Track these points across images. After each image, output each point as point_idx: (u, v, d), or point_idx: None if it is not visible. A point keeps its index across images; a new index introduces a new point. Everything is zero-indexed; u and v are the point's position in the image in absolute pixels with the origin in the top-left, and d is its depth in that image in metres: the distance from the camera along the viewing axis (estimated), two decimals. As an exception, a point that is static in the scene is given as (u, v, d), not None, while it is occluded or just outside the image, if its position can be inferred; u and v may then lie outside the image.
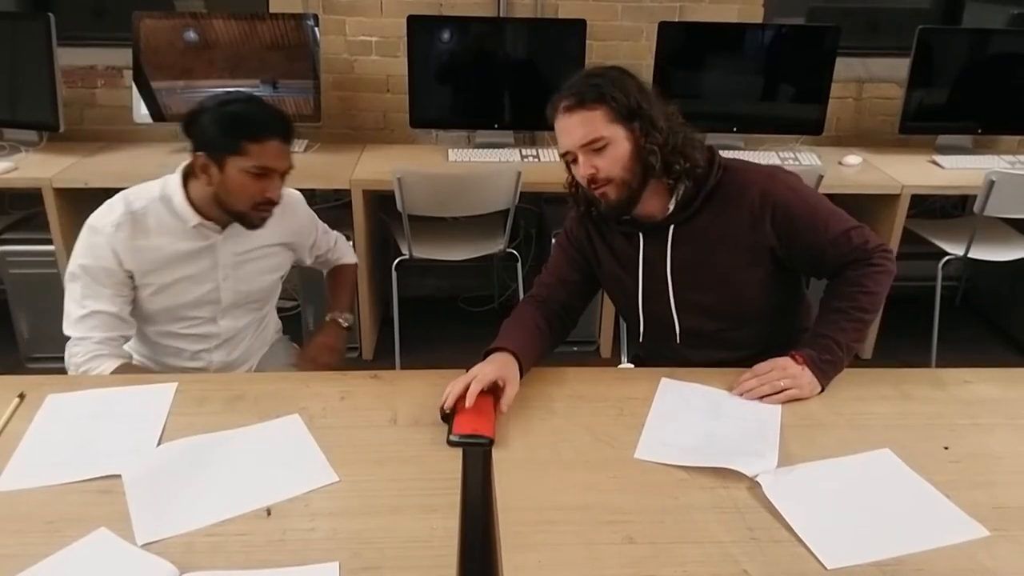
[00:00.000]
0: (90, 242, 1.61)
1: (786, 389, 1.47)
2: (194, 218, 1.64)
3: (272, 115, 1.59)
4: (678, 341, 1.69)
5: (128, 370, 1.59)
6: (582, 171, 1.52)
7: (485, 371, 1.41)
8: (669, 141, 1.51)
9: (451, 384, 1.39)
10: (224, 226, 1.68)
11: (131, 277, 1.63)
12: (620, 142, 1.49)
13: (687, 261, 1.61)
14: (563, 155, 1.56)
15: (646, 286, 1.66)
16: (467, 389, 1.37)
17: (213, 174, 1.57)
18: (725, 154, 1.68)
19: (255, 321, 1.87)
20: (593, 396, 1.50)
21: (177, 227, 1.64)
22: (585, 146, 1.50)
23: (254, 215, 1.62)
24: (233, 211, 1.62)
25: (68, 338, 1.64)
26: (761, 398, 1.47)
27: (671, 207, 1.58)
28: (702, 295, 1.63)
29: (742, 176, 1.57)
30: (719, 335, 1.66)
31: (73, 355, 1.60)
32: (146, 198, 1.65)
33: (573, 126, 1.50)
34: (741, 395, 1.48)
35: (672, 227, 1.59)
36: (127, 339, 1.66)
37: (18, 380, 1.50)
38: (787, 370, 1.49)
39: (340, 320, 1.95)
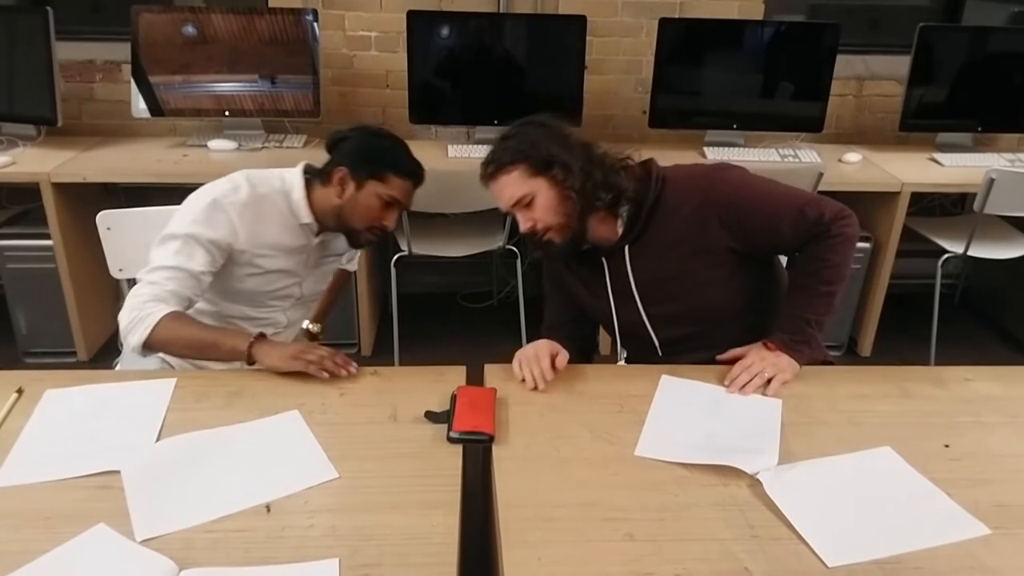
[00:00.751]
0: (211, 215, 1.63)
1: (771, 377, 1.51)
2: (307, 216, 1.72)
3: (415, 160, 1.74)
4: (660, 353, 1.71)
5: (180, 318, 1.55)
6: (522, 227, 1.58)
7: (539, 346, 1.56)
8: (590, 177, 1.53)
9: (524, 369, 1.51)
10: (323, 231, 1.78)
11: (233, 254, 1.67)
12: (544, 192, 1.54)
13: (649, 276, 1.63)
14: (505, 214, 1.63)
15: (618, 307, 1.69)
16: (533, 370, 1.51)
17: (348, 189, 1.68)
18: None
19: (303, 315, 1.97)
20: (593, 393, 1.50)
21: (287, 221, 1.72)
22: (515, 205, 1.56)
23: (365, 236, 1.74)
24: (349, 227, 1.72)
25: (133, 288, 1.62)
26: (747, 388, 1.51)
27: (620, 229, 1.61)
28: (672, 305, 1.64)
29: (682, 184, 1.59)
30: (699, 338, 1.66)
31: (137, 295, 1.56)
32: (268, 186, 1.71)
33: (499, 190, 1.57)
34: (731, 388, 1.51)
35: (627, 247, 1.62)
36: (193, 304, 1.65)
37: (16, 375, 1.49)
38: (766, 359, 1.54)
39: (311, 328, 2.04)
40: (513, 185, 1.54)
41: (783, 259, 1.78)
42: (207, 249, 1.62)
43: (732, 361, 1.57)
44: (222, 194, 1.65)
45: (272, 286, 1.78)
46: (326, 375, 1.50)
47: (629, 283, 1.64)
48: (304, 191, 1.72)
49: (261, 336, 1.55)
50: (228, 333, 1.59)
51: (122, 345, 1.90)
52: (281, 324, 1.88)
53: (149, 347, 1.53)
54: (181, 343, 1.54)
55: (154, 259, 1.62)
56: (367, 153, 1.70)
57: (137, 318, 1.52)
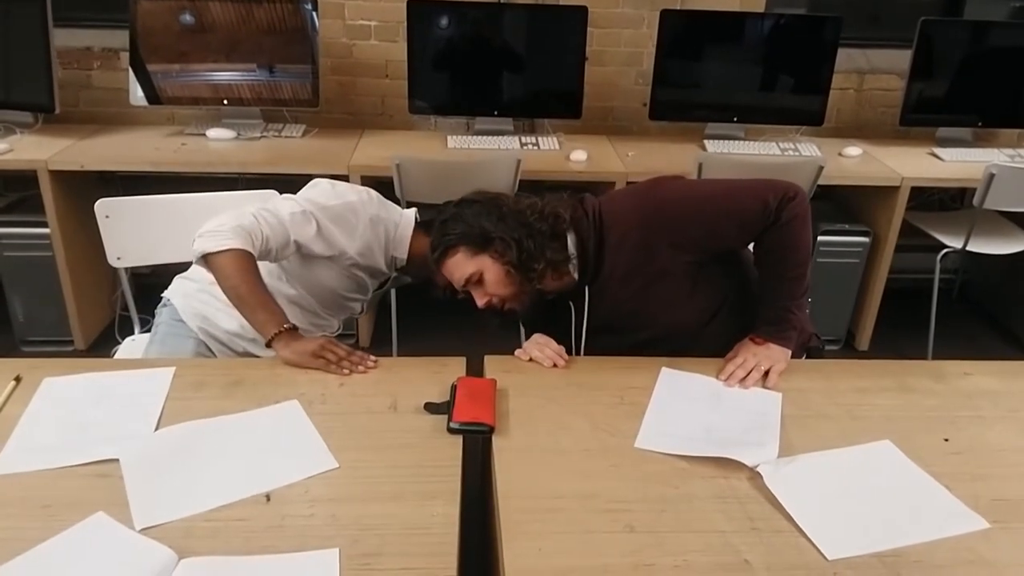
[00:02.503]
0: (344, 212, 1.72)
1: (767, 369, 1.53)
2: (402, 253, 1.85)
3: None
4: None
5: (248, 262, 1.55)
6: (479, 303, 1.60)
7: (539, 336, 1.61)
8: (524, 248, 1.53)
9: (538, 353, 1.56)
10: (404, 272, 1.90)
11: (336, 257, 1.74)
12: (489, 268, 1.55)
13: (614, 310, 1.63)
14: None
15: (588, 342, 1.69)
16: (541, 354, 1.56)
17: None
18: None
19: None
20: (593, 385, 1.50)
21: (386, 250, 1.83)
22: (467, 283, 1.58)
23: (442, 291, 1.78)
24: (434, 279, 1.76)
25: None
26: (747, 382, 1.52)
27: (576, 275, 1.61)
28: (644, 333, 1.64)
29: (619, 215, 1.59)
30: (682, 352, 1.63)
31: (240, 216, 1.58)
32: (388, 214, 1.84)
33: (450, 272, 1.60)
34: (730, 383, 1.52)
35: (587, 288, 1.63)
36: (267, 258, 1.66)
37: (14, 363, 1.48)
38: (758, 354, 1.55)
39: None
40: (460, 266, 1.57)
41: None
42: (319, 231, 1.69)
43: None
44: (361, 200, 1.76)
45: (350, 293, 1.86)
46: (347, 372, 1.50)
47: (599, 321, 1.65)
48: (410, 233, 1.84)
49: (292, 329, 1.54)
50: (268, 308, 1.56)
51: (120, 337, 1.90)
52: (332, 330, 1.96)
53: (206, 261, 1.56)
54: (231, 282, 1.54)
55: (273, 204, 1.67)
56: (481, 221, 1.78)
57: (220, 231, 1.55)
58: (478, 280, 1.57)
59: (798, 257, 1.56)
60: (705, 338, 1.64)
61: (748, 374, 1.52)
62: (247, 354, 1.80)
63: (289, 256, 1.71)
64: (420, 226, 1.86)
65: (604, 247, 1.58)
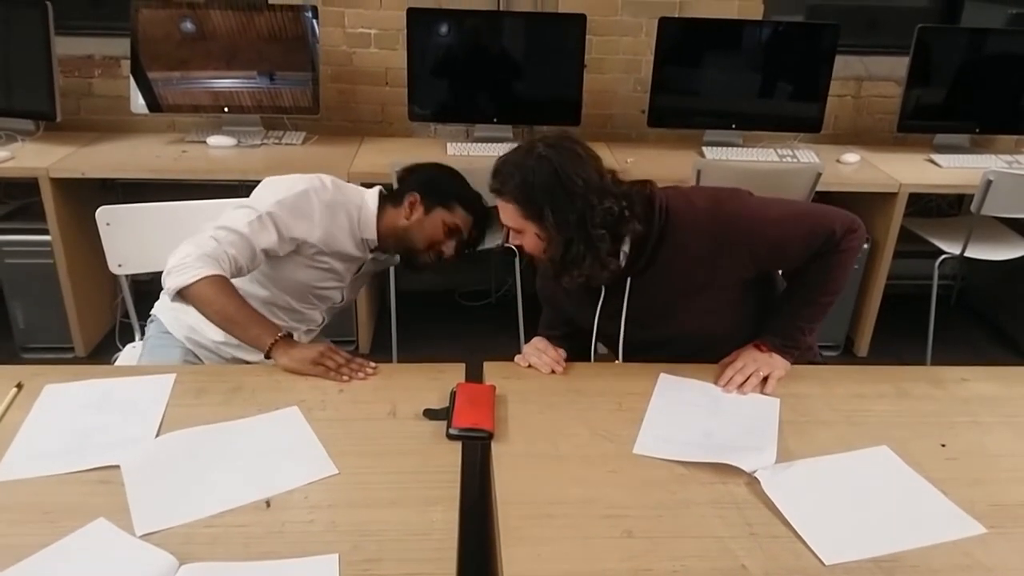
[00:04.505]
0: (298, 203, 1.71)
1: (766, 376, 1.53)
2: (371, 233, 1.83)
3: (481, 199, 1.85)
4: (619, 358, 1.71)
5: (224, 285, 1.56)
6: (511, 242, 1.58)
7: (538, 341, 1.62)
8: (570, 250, 1.48)
9: (536, 360, 1.58)
10: (378, 251, 1.89)
11: (300, 246, 1.74)
12: (530, 235, 1.52)
13: (645, 306, 1.61)
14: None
15: (601, 326, 1.68)
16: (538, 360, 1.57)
17: (417, 213, 1.80)
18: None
19: (332, 321, 2.05)
20: (592, 390, 1.50)
21: (352, 231, 1.82)
22: (508, 228, 1.56)
23: (424, 257, 1.84)
24: (411, 247, 1.83)
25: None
26: (740, 385, 1.53)
27: (622, 262, 1.55)
28: (658, 332, 1.63)
29: (689, 220, 1.53)
30: (695, 358, 1.63)
31: (199, 245, 1.58)
32: (346, 196, 1.82)
33: (500, 208, 1.55)
34: (728, 388, 1.52)
35: (629, 279, 1.59)
36: (239, 275, 1.67)
37: (15, 370, 1.49)
38: (758, 360, 1.56)
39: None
40: (506, 214, 1.54)
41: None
42: (280, 234, 1.68)
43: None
44: (313, 188, 1.74)
45: (322, 283, 1.85)
46: (346, 378, 1.51)
47: (621, 310, 1.63)
48: (375, 212, 1.82)
49: (287, 336, 1.56)
50: (259, 321, 1.58)
51: (121, 344, 1.91)
52: (316, 323, 1.96)
53: (182, 296, 1.55)
54: (214, 307, 1.55)
55: (227, 219, 1.65)
56: (441, 183, 1.84)
57: (186, 264, 1.55)
58: (519, 233, 1.54)
59: (835, 287, 1.57)
60: (726, 351, 1.62)
61: (747, 379, 1.53)
62: (236, 360, 1.81)
63: (260, 265, 1.71)
64: (387, 199, 1.84)
65: (662, 246, 1.54)
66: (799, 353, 1.60)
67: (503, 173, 1.52)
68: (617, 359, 1.70)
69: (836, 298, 1.59)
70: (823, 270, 1.57)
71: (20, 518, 1.14)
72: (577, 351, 1.73)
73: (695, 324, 1.62)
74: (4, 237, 2.80)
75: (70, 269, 2.80)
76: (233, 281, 1.60)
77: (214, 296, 1.53)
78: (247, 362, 1.77)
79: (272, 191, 1.71)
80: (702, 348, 1.62)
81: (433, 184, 1.84)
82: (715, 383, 1.54)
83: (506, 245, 1.61)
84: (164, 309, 1.87)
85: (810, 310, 1.61)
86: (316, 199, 1.73)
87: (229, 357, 1.82)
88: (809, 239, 1.54)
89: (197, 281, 1.52)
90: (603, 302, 1.65)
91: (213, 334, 1.79)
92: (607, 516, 1.17)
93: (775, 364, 1.56)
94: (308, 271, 1.80)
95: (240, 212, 1.67)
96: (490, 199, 1.61)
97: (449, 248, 1.83)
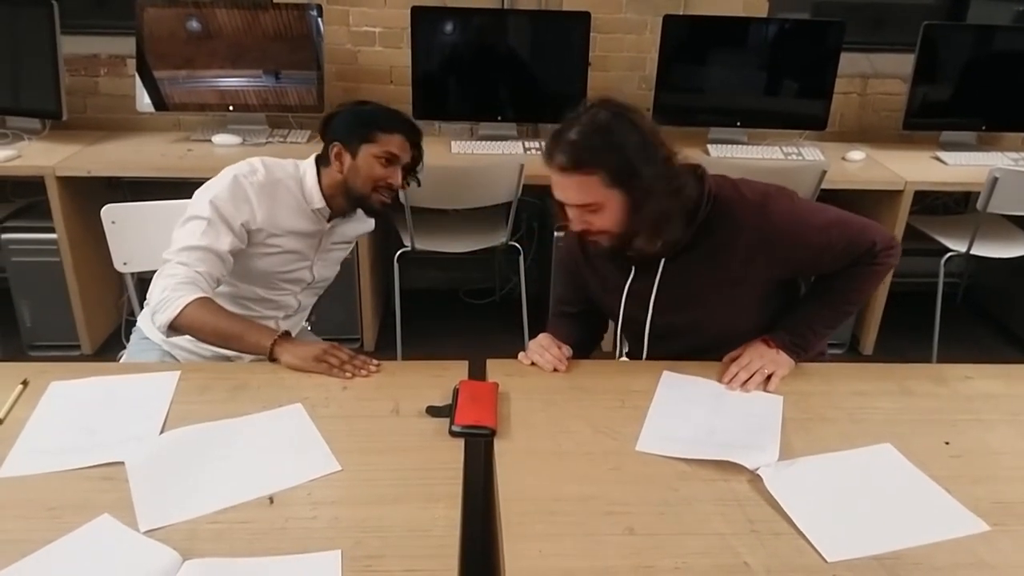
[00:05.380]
0: (232, 193, 1.70)
1: (770, 374, 1.52)
2: (319, 202, 1.79)
3: (398, 114, 1.80)
4: (645, 349, 1.69)
5: (209, 305, 1.59)
6: (574, 225, 1.49)
7: (543, 338, 1.60)
8: (656, 208, 1.43)
9: (539, 358, 1.56)
10: (335, 216, 1.85)
11: (251, 232, 1.73)
12: (614, 205, 1.43)
13: (674, 291, 1.59)
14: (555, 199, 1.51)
15: (627, 307, 1.66)
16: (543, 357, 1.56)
17: (345, 161, 1.76)
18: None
19: (312, 303, 2.04)
20: (595, 388, 1.50)
21: (300, 206, 1.80)
22: (579, 207, 1.45)
23: (375, 198, 1.78)
24: (358, 195, 1.78)
25: (163, 268, 1.66)
26: (744, 383, 1.52)
27: (659, 242, 1.52)
28: (684, 317, 1.62)
29: (736, 209, 1.50)
30: (696, 354, 1.62)
31: (171, 275, 1.60)
32: (282, 172, 1.79)
33: (567, 187, 1.43)
34: (732, 385, 1.52)
35: (663, 261, 1.57)
36: (219, 283, 1.70)
37: (21, 367, 1.50)
38: (764, 356, 1.55)
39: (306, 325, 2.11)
40: (585, 189, 1.41)
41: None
42: (231, 228, 1.68)
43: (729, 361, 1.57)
44: (241, 173, 1.72)
45: (284, 267, 1.83)
46: (349, 375, 1.51)
47: (650, 293, 1.60)
48: (316, 178, 1.79)
49: (285, 334, 1.58)
50: (255, 327, 1.61)
51: (131, 335, 1.92)
52: (292, 308, 1.93)
53: (175, 329, 1.57)
54: (207, 330, 1.57)
55: (182, 239, 1.66)
56: (353, 122, 1.77)
57: (166, 299, 1.57)
58: (593, 210, 1.44)
59: (859, 298, 1.59)
60: (724, 347, 1.62)
61: (751, 377, 1.52)
62: (218, 357, 1.80)
63: (231, 266, 1.71)
64: (320, 163, 1.80)
65: (705, 231, 1.51)
66: (804, 355, 1.59)
67: (579, 142, 1.40)
68: (625, 346, 1.69)
69: (855, 308, 1.59)
70: (853, 278, 1.57)
71: (25, 514, 1.14)
72: (588, 333, 1.74)
73: (719, 317, 1.60)
74: (11, 235, 2.82)
75: (76, 267, 2.82)
76: None
77: (203, 319, 1.56)
78: (227, 358, 1.78)
79: (205, 193, 1.70)
80: (719, 343, 1.61)
81: (346, 125, 1.77)
82: (719, 379, 1.54)
83: (559, 229, 1.52)
84: (144, 318, 1.89)
85: (830, 314, 1.60)
86: (246, 182, 1.71)
87: (210, 355, 1.80)
88: (849, 249, 1.54)
89: (182, 310, 1.55)
90: (632, 281, 1.62)
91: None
92: (609, 513, 1.17)
93: (780, 362, 1.55)
94: (266, 258, 1.79)
95: (189, 226, 1.67)
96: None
97: (395, 176, 1.77)
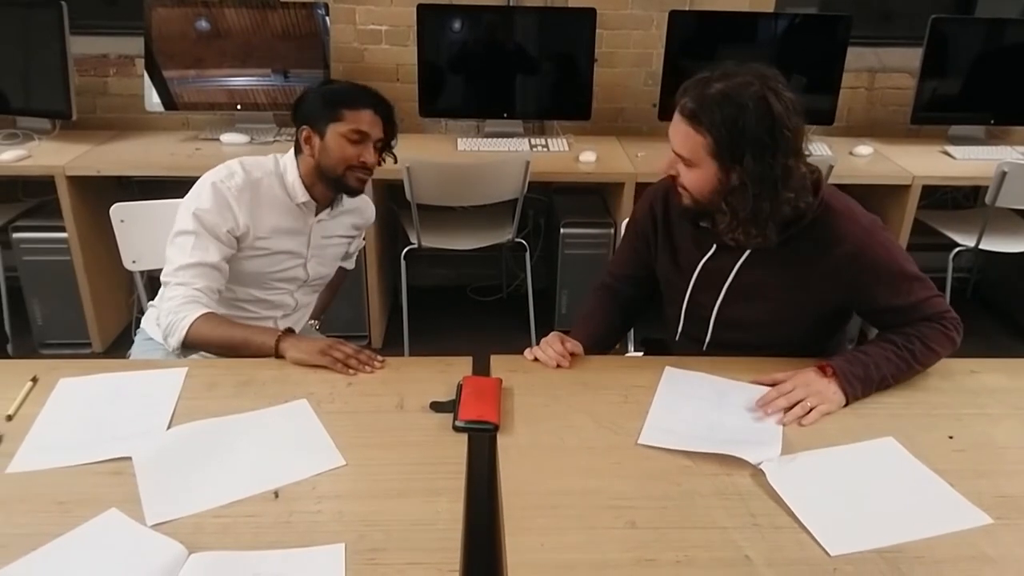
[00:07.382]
0: (214, 200, 1.70)
1: (812, 408, 1.40)
2: (303, 195, 1.79)
3: (367, 89, 1.76)
4: (704, 348, 1.67)
5: (212, 319, 1.62)
6: (666, 168, 1.49)
7: (550, 337, 1.59)
8: (746, 202, 1.40)
9: (542, 353, 1.56)
10: (322, 208, 1.84)
11: (238, 238, 1.74)
12: (706, 174, 1.42)
13: (748, 283, 1.56)
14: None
15: (695, 291, 1.63)
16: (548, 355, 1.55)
17: (315, 143, 1.74)
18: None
19: (313, 300, 2.04)
20: (598, 383, 1.51)
21: (284, 203, 1.79)
22: (677, 154, 1.46)
23: (351, 178, 1.75)
24: (333, 178, 1.75)
25: (162, 289, 1.71)
26: (784, 411, 1.41)
27: (743, 236, 1.50)
28: (748, 313, 1.59)
29: (842, 223, 1.48)
30: (746, 349, 1.61)
31: (171, 298, 1.64)
32: (262, 170, 1.78)
33: (678, 130, 1.44)
34: (764, 408, 1.42)
35: (748, 250, 1.54)
36: (220, 293, 1.72)
37: (31, 364, 1.52)
38: (811, 386, 1.43)
39: (312, 324, 2.12)
40: (689, 143, 1.41)
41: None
42: (218, 237, 1.69)
43: (771, 383, 1.47)
44: (219, 179, 1.72)
45: (276, 267, 1.83)
46: (352, 371, 1.52)
47: (724, 281, 1.58)
48: (297, 171, 1.78)
49: (289, 331, 1.61)
50: (257, 331, 1.63)
51: (135, 335, 1.94)
52: (290, 306, 1.93)
53: (187, 347, 1.61)
54: (215, 343, 1.62)
55: (174, 258, 1.68)
56: (319, 102, 1.74)
57: (173, 323, 1.61)
58: (687, 164, 1.43)
59: (923, 355, 1.49)
60: (764, 351, 1.59)
61: (791, 407, 1.40)
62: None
63: (227, 274, 1.73)
64: (297, 154, 1.79)
65: (805, 232, 1.48)
66: (860, 392, 1.45)
67: (708, 99, 1.38)
68: (679, 326, 1.69)
69: (918, 367, 1.49)
70: (922, 332, 1.50)
71: (35, 508, 1.16)
72: (624, 313, 1.76)
73: (776, 318, 1.57)
74: (22, 234, 2.85)
75: (87, 266, 2.85)
76: None
77: (208, 335, 1.61)
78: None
79: (186, 206, 1.70)
80: (763, 343, 1.59)
81: (310, 108, 1.74)
82: (726, 376, 1.52)
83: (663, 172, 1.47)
84: (149, 320, 1.91)
85: (892, 355, 1.48)
86: (225, 188, 1.70)
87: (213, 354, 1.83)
88: (922, 305, 1.50)
89: (188, 331, 1.59)
90: (709, 259, 1.58)
91: (218, 310, 1.81)
92: (611, 507, 1.18)
93: (827, 396, 1.42)
94: (256, 260, 1.79)
95: (178, 242, 1.69)
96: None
97: (367, 154, 1.74)
